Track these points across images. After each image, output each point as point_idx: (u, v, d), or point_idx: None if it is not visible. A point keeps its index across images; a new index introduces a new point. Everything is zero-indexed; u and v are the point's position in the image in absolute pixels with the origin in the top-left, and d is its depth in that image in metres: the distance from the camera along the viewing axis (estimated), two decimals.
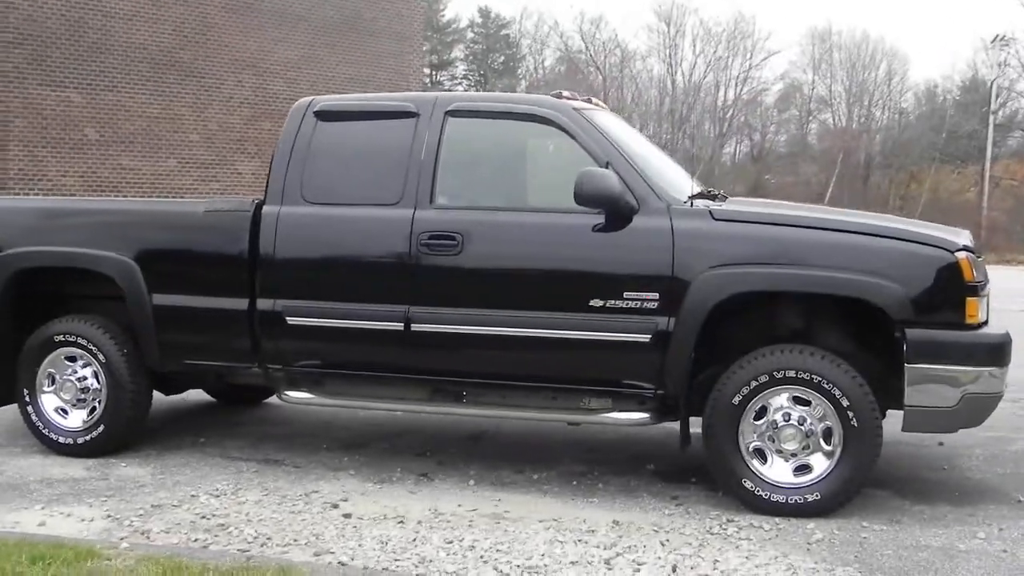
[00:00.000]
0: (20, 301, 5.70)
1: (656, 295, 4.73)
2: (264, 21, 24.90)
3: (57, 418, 5.62)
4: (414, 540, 4.27)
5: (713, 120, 47.68)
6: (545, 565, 3.96)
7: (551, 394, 5.13)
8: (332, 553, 4.12)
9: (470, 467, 5.47)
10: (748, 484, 4.67)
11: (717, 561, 4.06)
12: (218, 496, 4.92)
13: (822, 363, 4.58)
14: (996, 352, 4.58)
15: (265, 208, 5.28)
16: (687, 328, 4.68)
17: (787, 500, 4.62)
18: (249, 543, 4.25)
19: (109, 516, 4.61)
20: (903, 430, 4.66)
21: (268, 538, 4.32)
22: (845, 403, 4.54)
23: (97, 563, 3.71)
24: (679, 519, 4.62)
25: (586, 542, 4.25)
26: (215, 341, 5.38)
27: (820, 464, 4.64)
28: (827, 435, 4.61)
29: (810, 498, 4.61)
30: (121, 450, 5.65)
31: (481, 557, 4.05)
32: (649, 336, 4.73)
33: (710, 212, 4.79)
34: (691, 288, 4.67)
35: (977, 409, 4.59)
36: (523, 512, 4.70)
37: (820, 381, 4.56)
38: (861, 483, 4.64)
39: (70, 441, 5.57)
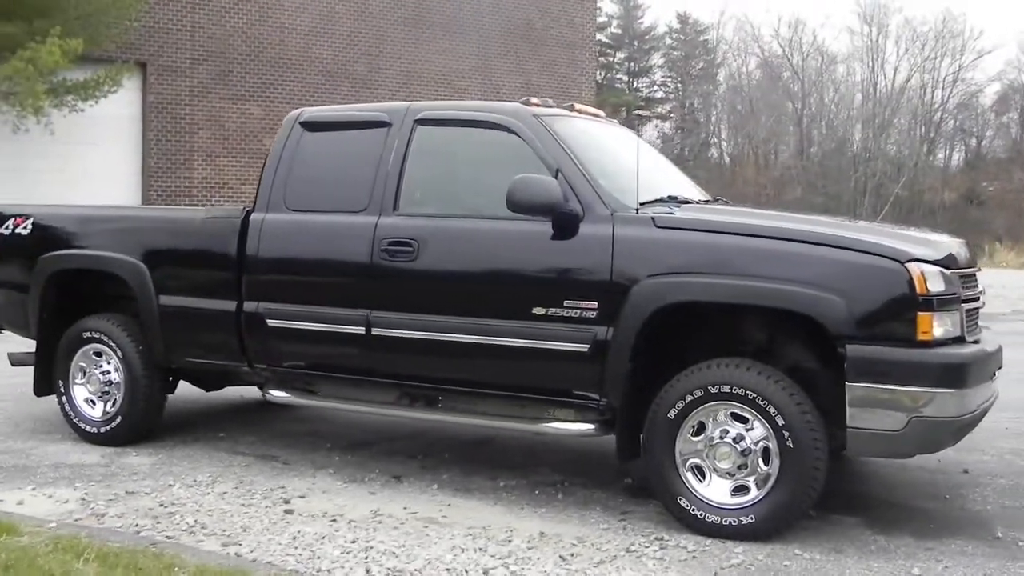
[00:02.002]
0: (64, 300, 6.22)
1: (595, 304, 4.63)
2: (435, 33, 25.69)
3: (86, 408, 6.09)
4: (323, 538, 4.37)
5: (920, 124, 45.07)
6: (417, 569, 3.97)
7: (519, 402, 5.11)
8: (238, 544, 4.28)
9: (447, 472, 5.51)
10: (683, 502, 4.49)
11: None
12: (192, 487, 5.18)
13: (757, 378, 4.34)
14: (952, 373, 4.18)
15: (253, 215, 5.54)
16: (624, 338, 4.55)
17: (721, 521, 4.40)
18: (179, 530, 4.48)
19: (82, 499, 4.96)
20: (847, 454, 4.34)
21: (202, 527, 4.53)
22: (780, 422, 4.28)
23: (7, 538, 4.02)
24: (609, 534, 4.50)
25: (485, 550, 4.22)
26: (211, 341, 5.69)
27: (756, 486, 4.39)
28: (766, 455, 4.37)
29: (744, 520, 4.37)
30: (140, 440, 6.03)
31: (367, 557, 4.10)
32: (588, 346, 4.63)
33: (652, 219, 4.64)
34: (628, 297, 4.54)
35: (929, 434, 4.21)
36: (459, 518, 4.70)
37: (755, 397, 4.33)
38: (801, 508, 4.36)
39: (95, 430, 6.02)
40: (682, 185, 5.81)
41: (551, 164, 4.84)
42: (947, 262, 4.42)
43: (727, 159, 50.29)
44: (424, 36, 25.62)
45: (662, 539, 4.42)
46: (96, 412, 6.05)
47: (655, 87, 54.60)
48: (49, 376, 6.20)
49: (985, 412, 4.57)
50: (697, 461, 4.49)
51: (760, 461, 4.38)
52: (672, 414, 4.48)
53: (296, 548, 4.24)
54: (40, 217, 6.29)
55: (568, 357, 4.69)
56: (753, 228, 4.53)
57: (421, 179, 5.22)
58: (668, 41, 53.93)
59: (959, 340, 4.38)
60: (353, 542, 4.31)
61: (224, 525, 4.56)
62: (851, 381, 4.19)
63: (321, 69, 23.98)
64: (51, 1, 17.04)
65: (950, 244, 4.78)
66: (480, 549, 4.24)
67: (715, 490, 4.46)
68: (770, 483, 4.34)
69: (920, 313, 4.17)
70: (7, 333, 6.72)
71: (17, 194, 17.57)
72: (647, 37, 53.84)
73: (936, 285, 4.24)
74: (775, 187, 42.17)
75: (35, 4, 16.91)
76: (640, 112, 53.16)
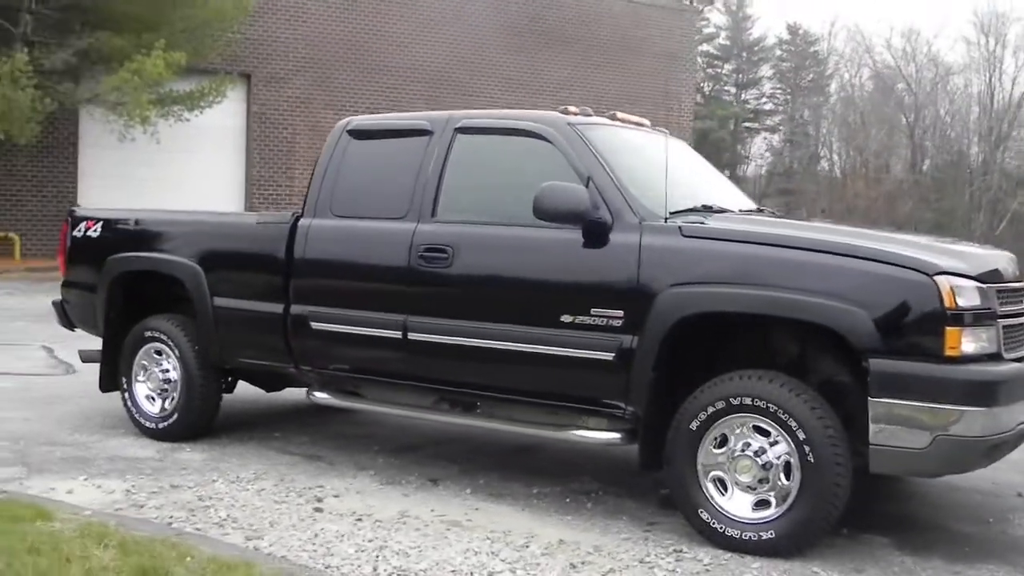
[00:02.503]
0: (132, 301, 6.49)
1: (621, 312, 4.62)
2: (537, 41, 25.87)
3: (146, 405, 6.33)
4: (343, 536, 4.46)
5: None
6: (423, 570, 4.02)
7: (553, 410, 5.13)
8: (260, 538, 4.41)
9: (484, 477, 5.55)
10: (704, 515, 4.43)
11: None
12: (233, 483, 5.34)
13: (779, 391, 4.26)
14: (981, 391, 4.03)
15: (301, 221, 5.70)
16: (647, 347, 4.53)
17: (741, 535, 4.33)
18: (210, 523, 4.63)
19: (128, 491, 5.16)
20: (870, 471, 4.22)
21: (233, 520, 4.67)
22: (801, 436, 4.20)
23: (41, 523, 4.22)
24: (628, 544, 4.47)
25: (497, 555, 4.25)
26: (261, 342, 5.86)
27: (777, 501, 4.31)
28: (787, 470, 4.29)
29: (764, 536, 4.29)
30: (196, 437, 6.24)
31: (378, 556, 4.18)
32: (613, 354, 4.62)
33: (680, 228, 4.60)
34: (653, 306, 4.51)
35: (955, 454, 4.07)
36: (483, 522, 4.74)
37: (776, 411, 4.25)
38: (822, 526, 4.25)
39: (153, 426, 6.26)
40: (727, 195, 5.75)
41: (582, 172, 4.85)
42: (983, 276, 4.26)
43: (838, 172, 49.08)
44: (525, 44, 25.83)
45: (681, 551, 4.38)
46: (155, 409, 6.29)
47: (764, 99, 53.68)
48: (114, 373, 6.47)
49: None
50: (719, 474, 4.44)
51: (782, 476, 4.30)
52: (694, 425, 4.44)
53: (314, 544, 4.35)
54: (108, 221, 6.59)
55: (594, 365, 4.69)
56: (780, 238, 4.46)
57: (459, 186, 5.29)
58: (778, 52, 52.98)
59: (995, 357, 4.22)
60: (370, 541, 4.39)
61: (253, 520, 4.70)
62: (874, 396, 4.09)
63: (421, 76, 24.38)
64: (159, 15, 17.77)
65: (992, 258, 4.61)
66: (493, 553, 4.27)
67: (736, 504, 4.40)
68: (790, 499, 4.26)
69: (948, 328, 4.04)
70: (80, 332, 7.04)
71: (122, 201, 18.41)
72: (756, 48, 52.99)
73: (967, 299, 4.10)
74: (886, 201, 40.95)
75: (144, 18, 17.68)
76: (748, 124, 52.40)
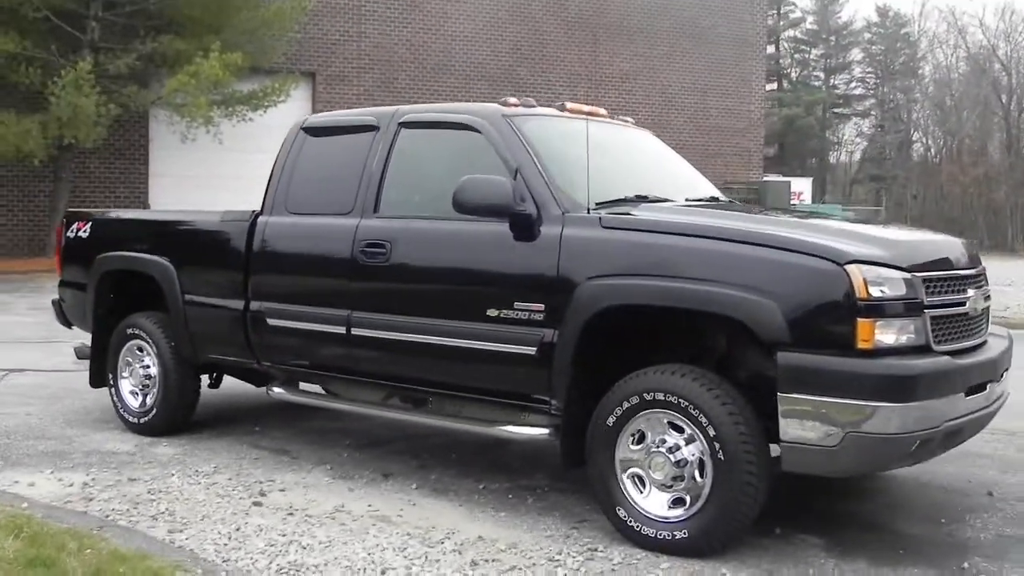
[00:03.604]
0: (121, 298, 6.66)
1: (542, 306, 4.54)
2: (599, 34, 25.68)
3: (130, 400, 6.49)
4: (263, 530, 4.50)
5: None
6: (317, 564, 4.03)
7: (495, 405, 5.07)
8: (182, 532, 4.47)
9: (438, 473, 5.53)
10: (621, 512, 4.33)
11: None
12: (189, 477, 5.43)
13: (690, 386, 4.13)
14: (896, 386, 3.83)
15: (259, 218, 5.76)
16: (565, 341, 4.44)
17: (656, 535, 4.22)
18: (145, 516, 4.71)
19: (85, 484, 5.29)
20: (783, 468, 4.05)
21: (169, 514, 4.75)
22: (712, 432, 4.06)
23: None
24: (547, 541, 4.40)
25: (403, 550, 4.23)
26: (226, 338, 5.94)
27: (691, 499, 4.18)
28: (702, 467, 4.15)
29: (678, 535, 4.17)
30: (177, 431, 6.38)
31: (281, 551, 4.20)
32: (535, 348, 4.55)
33: (599, 219, 4.50)
34: (572, 299, 4.42)
35: (869, 452, 3.87)
36: (413, 518, 4.72)
37: (687, 406, 4.12)
38: (735, 526, 4.10)
39: (135, 421, 6.42)
40: (686, 184, 5.60)
41: (511, 164, 4.78)
42: (908, 264, 4.05)
43: (931, 157, 47.45)
44: (588, 38, 25.67)
45: (596, 550, 4.29)
46: (136, 404, 6.45)
47: (854, 83, 52.28)
48: (103, 369, 6.65)
49: (963, 427, 4.16)
50: (637, 471, 4.33)
51: (696, 473, 4.16)
52: (611, 421, 4.34)
53: (231, 538, 4.39)
54: (96, 221, 6.77)
55: (518, 360, 4.62)
56: (695, 228, 4.31)
57: (400, 181, 5.27)
58: (867, 35, 51.50)
59: (922, 350, 4.01)
60: (283, 535, 4.42)
61: (188, 514, 4.76)
62: (782, 391, 3.93)
63: (484, 74, 24.44)
64: (219, 19, 18.20)
65: (929, 244, 4.38)
66: (399, 549, 4.25)
67: (653, 502, 4.28)
68: (703, 497, 4.12)
69: (860, 319, 3.85)
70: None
71: (189, 200, 18.94)
72: (845, 32, 51.60)
73: (883, 289, 3.90)
74: (978, 186, 39.40)
75: (205, 21, 18.12)
76: (837, 110, 51.08)
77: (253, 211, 5.84)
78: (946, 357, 4.06)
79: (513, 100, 5.21)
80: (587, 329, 4.38)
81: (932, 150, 47.89)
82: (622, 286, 4.31)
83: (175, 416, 6.34)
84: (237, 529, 4.53)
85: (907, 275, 4.00)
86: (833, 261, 3.91)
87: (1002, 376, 4.62)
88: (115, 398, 6.55)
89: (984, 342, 4.60)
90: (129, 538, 4.31)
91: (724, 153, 26.92)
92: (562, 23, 25.18)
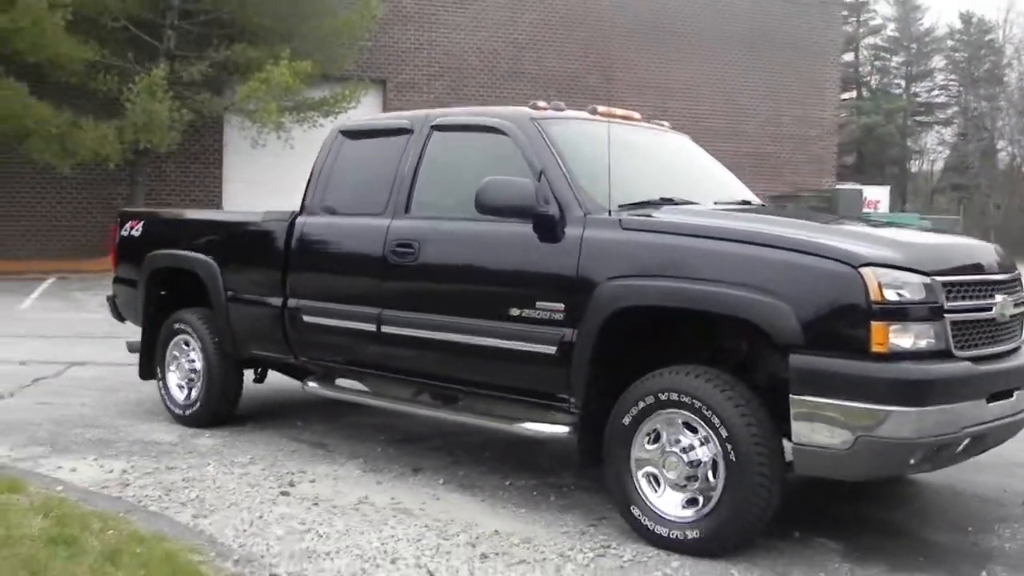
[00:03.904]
0: (172, 295, 6.87)
1: (562, 306, 4.58)
2: (669, 41, 25.58)
3: (176, 393, 6.69)
4: (284, 518, 4.61)
5: None
6: (328, 552, 4.12)
7: (525, 404, 5.10)
8: (206, 518, 4.61)
9: (467, 469, 5.59)
10: (635, 511, 4.34)
11: None
12: (224, 467, 5.57)
13: (703, 386, 4.12)
14: (910, 391, 3.77)
15: (298, 218, 5.90)
16: (585, 341, 4.47)
17: (669, 534, 4.22)
18: (175, 503, 4.86)
19: (124, 471, 5.47)
20: (795, 471, 4.02)
21: (199, 501, 4.89)
22: (724, 433, 4.05)
23: (6, 496, 4.54)
24: (563, 538, 4.42)
25: (418, 541, 4.30)
26: (266, 334, 6.09)
27: (704, 499, 4.17)
28: (715, 468, 4.14)
29: (690, 535, 4.16)
30: (220, 423, 6.55)
31: (297, 538, 4.31)
32: (555, 348, 4.58)
33: (619, 221, 4.51)
34: (591, 300, 4.45)
35: (881, 457, 3.82)
36: (435, 512, 4.78)
37: (700, 407, 4.12)
38: (746, 527, 4.07)
39: (181, 413, 6.61)
40: (719, 188, 5.59)
41: (536, 166, 4.83)
42: (928, 268, 3.98)
43: (1016, 165, 46.13)
44: (657, 45, 25.58)
45: (609, 547, 4.30)
46: (182, 396, 6.64)
47: (936, 91, 51.04)
48: (151, 363, 6.86)
49: (986, 434, 4.07)
50: (652, 470, 4.33)
51: (710, 474, 4.15)
52: (627, 420, 4.35)
53: (252, 525, 4.51)
54: (148, 220, 7.00)
55: (539, 359, 4.66)
56: (712, 230, 4.30)
57: (431, 183, 5.35)
58: (950, 42, 50.27)
59: (942, 355, 3.95)
60: (302, 523, 4.53)
61: (217, 501, 4.90)
62: (795, 393, 3.90)
63: (553, 81, 24.52)
64: (290, 27, 18.55)
65: (954, 248, 4.31)
66: (414, 539, 4.32)
67: (667, 501, 4.28)
68: (715, 498, 4.11)
69: (875, 323, 3.80)
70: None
71: (261, 203, 19.33)
72: (927, 39, 50.47)
73: (899, 292, 3.85)
74: None
75: (277, 30, 18.50)
76: (918, 118, 49.98)
77: (292, 212, 5.98)
78: (966, 363, 3.98)
79: (543, 104, 5.26)
80: (605, 329, 4.41)
81: (1017, 159, 46.56)
82: (639, 287, 4.32)
83: (218, 409, 6.51)
84: (260, 516, 4.64)
85: (926, 279, 3.94)
86: (848, 264, 3.87)
87: None
88: (162, 391, 6.75)
89: (1017, 348, 4.50)
90: (154, 522, 4.46)
91: (796, 161, 26.56)
92: (631, 30, 25.14)
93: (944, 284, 4.00)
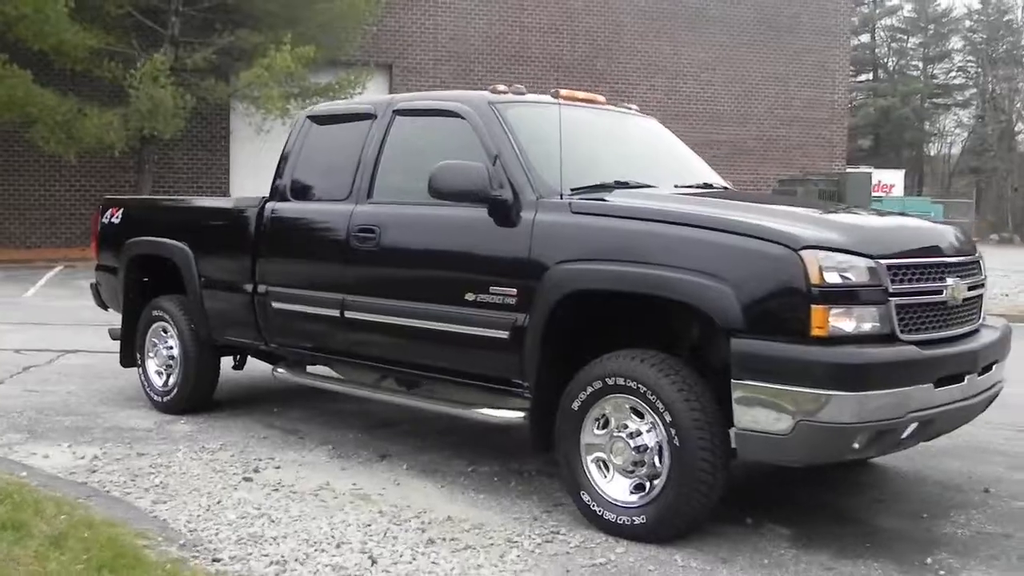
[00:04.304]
0: (152, 282, 6.91)
1: (515, 290, 4.58)
2: (677, 24, 25.43)
3: (155, 379, 6.74)
4: (239, 503, 4.65)
5: None
6: (275, 536, 4.15)
7: (484, 389, 5.12)
8: (164, 503, 4.65)
9: (434, 455, 5.61)
10: (585, 497, 4.35)
11: (435, 562, 3.93)
12: (194, 453, 5.61)
13: (648, 371, 4.12)
14: (849, 374, 3.75)
15: (267, 204, 5.92)
16: (535, 325, 4.47)
17: (617, 519, 4.23)
18: (138, 488, 4.90)
19: (95, 457, 5.52)
20: (738, 457, 4.01)
21: (162, 487, 4.93)
22: (668, 418, 4.05)
23: None
24: (515, 524, 4.44)
25: (368, 526, 4.35)
26: (238, 320, 6.12)
27: (650, 485, 4.17)
28: (661, 453, 4.14)
29: (636, 521, 4.17)
30: (197, 410, 6.59)
31: (248, 523, 4.35)
32: (508, 332, 4.59)
33: (569, 205, 4.51)
34: (541, 284, 4.45)
35: (821, 442, 3.80)
36: (392, 497, 4.81)
37: (645, 392, 4.12)
38: (689, 513, 4.07)
39: (159, 399, 6.67)
40: (684, 172, 5.57)
41: (491, 150, 4.83)
42: (872, 251, 3.95)
43: None
44: (665, 28, 25.44)
45: (558, 533, 4.32)
46: (160, 383, 6.69)
47: (953, 72, 50.48)
48: (132, 350, 6.92)
49: (934, 419, 4.05)
50: (601, 456, 4.34)
51: (656, 459, 4.15)
52: (576, 406, 4.36)
53: (208, 510, 4.55)
54: (127, 207, 7.04)
55: (493, 344, 4.67)
56: (658, 213, 4.29)
57: (392, 167, 5.36)
58: (967, 23, 49.68)
59: (886, 338, 3.93)
60: (257, 508, 4.57)
61: (179, 487, 4.94)
62: (735, 378, 3.89)
63: (560, 65, 24.47)
64: (294, 12, 18.56)
65: (903, 231, 4.29)
66: (364, 524, 4.36)
67: (616, 487, 4.29)
68: (660, 483, 4.11)
69: (814, 306, 3.78)
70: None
71: (262, 190, 19.39)
72: (944, 20, 49.89)
73: (839, 275, 3.83)
74: None
75: (281, 15, 18.52)
76: (935, 100, 49.48)
77: (262, 197, 6.00)
78: (911, 347, 3.96)
79: (502, 87, 5.25)
80: (555, 314, 4.40)
81: None
82: (586, 271, 4.32)
83: (195, 395, 6.56)
84: (218, 502, 4.68)
85: (870, 262, 3.91)
86: (787, 246, 3.85)
87: (991, 367, 4.48)
88: (142, 377, 6.81)
89: (972, 331, 4.47)
90: (111, 507, 4.51)
91: (806, 144, 26.38)
92: (638, 12, 25.01)
93: (890, 267, 3.97)
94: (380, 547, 4.09)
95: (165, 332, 6.67)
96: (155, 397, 6.69)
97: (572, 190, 4.64)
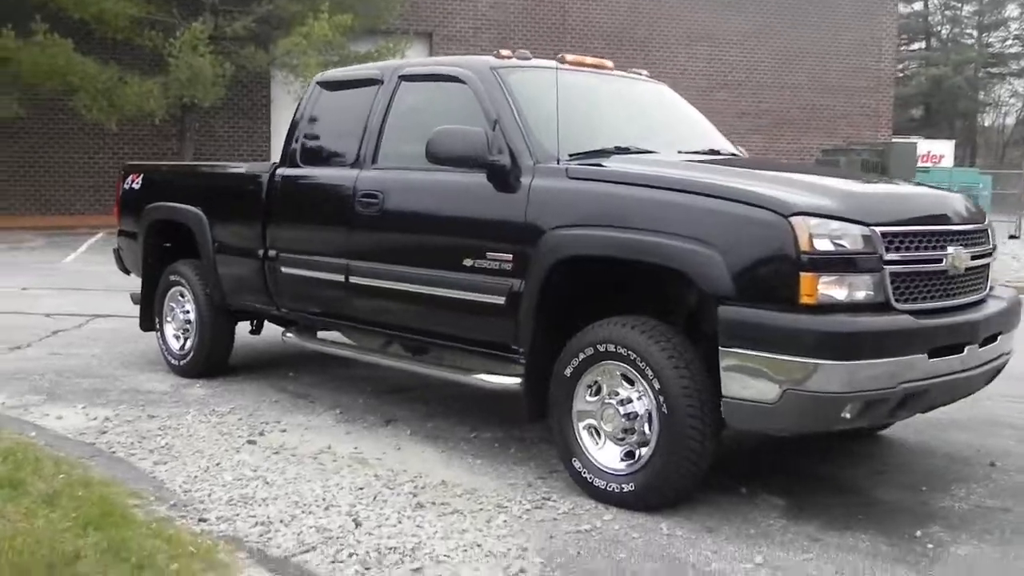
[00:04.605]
0: (174, 246, 6.99)
1: (511, 256, 4.56)
2: None
3: (173, 343, 6.84)
4: (238, 465, 4.72)
5: None
6: (265, 498, 4.21)
7: (484, 355, 5.11)
8: (165, 464, 4.73)
9: (436, 421, 5.63)
10: (576, 464, 4.34)
11: (419, 525, 3.95)
12: (203, 416, 5.68)
13: (638, 338, 4.09)
14: (838, 343, 3.69)
15: (278, 169, 5.96)
16: (531, 291, 4.46)
17: (607, 487, 4.22)
18: (144, 449, 4.98)
19: (107, 418, 5.62)
20: (726, 425, 3.98)
21: (167, 448, 5.01)
22: (656, 385, 4.02)
23: None
24: (508, 489, 4.45)
25: (359, 489, 4.38)
26: (250, 285, 6.18)
27: (640, 453, 4.15)
28: (651, 421, 4.11)
29: (625, 488, 4.15)
30: (213, 374, 6.68)
31: (242, 485, 4.40)
32: (504, 298, 4.58)
33: (566, 170, 4.47)
34: (536, 249, 4.43)
35: (809, 411, 3.75)
36: (391, 461, 4.84)
37: (635, 359, 4.09)
38: (681, 480, 4.05)
39: (176, 363, 6.77)
40: (695, 137, 5.50)
41: (491, 115, 4.81)
42: (866, 217, 3.87)
43: None
44: None
45: (549, 499, 4.32)
46: (177, 347, 6.79)
47: (1009, 40, 49.12)
48: (151, 314, 7.02)
49: (928, 390, 3.96)
50: (593, 422, 4.32)
51: (646, 427, 4.13)
52: (568, 372, 4.34)
53: (206, 471, 4.62)
54: (147, 173, 7.12)
55: (489, 309, 4.66)
56: (651, 179, 4.23)
57: (397, 133, 5.36)
58: None
59: (881, 307, 3.85)
60: (254, 470, 4.62)
61: (183, 448, 5.02)
62: (723, 346, 3.85)
63: (601, 33, 24.26)
64: None
65: (902, 198, 4.20)
66: (357, 488, 4.40)
67: (607, 454, 4.27)
68: (648, 451, 4.09)
69: (803, 273, 3.72)
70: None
71: None
72: None
73: (830, 242, 3.76)
74: None
75: None
76: (990, 69, 48.26)
77: (273, 163, 6.04)
78: (906, 316, 3.88)
79: (506, 52, 5.22)
80: (549, 279, 4.38)
81: None
82: (580, 236, 4.29)
83: (210, 359, 6.64)
84: (217, 464, 4.75)
85: (864, 228, 3.83)
86: (777, 212, 3.78)
87: (995, 338, 4.38)
88: (160, 341, 6.91)
89: (976, 302, 4.37)
90: (112, 467, 4.60)
91: (851, 114, 25.89)
92: None
93: (885, 234, 3.88)
94: (368, 510, 4.12)
95: (182, 296, 6.76)
96: (172, 361, 6.79)
97: (571, 155, 4.60)
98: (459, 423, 5.59)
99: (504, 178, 4.64)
